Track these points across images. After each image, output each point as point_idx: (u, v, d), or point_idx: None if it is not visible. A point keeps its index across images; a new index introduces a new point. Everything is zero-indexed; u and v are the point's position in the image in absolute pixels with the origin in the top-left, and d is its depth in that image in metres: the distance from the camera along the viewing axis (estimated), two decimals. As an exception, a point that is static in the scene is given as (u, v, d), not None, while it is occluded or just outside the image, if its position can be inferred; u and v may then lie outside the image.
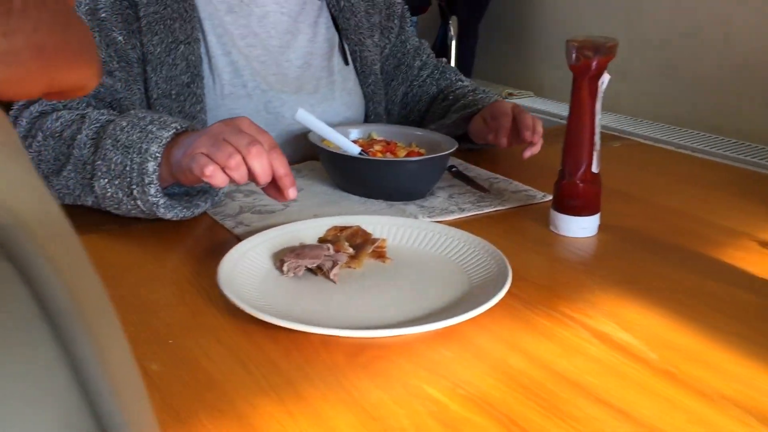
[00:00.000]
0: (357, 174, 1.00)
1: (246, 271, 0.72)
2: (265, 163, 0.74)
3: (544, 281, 0.76)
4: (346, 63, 1.20)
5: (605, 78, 0.86)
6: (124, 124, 0.82)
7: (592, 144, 0.87)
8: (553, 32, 2.07)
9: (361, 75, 1.22)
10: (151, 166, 0.78)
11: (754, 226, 0.94)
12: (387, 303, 0.69)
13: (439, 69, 1.31)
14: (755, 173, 1.24)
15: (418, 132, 1.11)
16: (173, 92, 1.03)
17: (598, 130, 0.88)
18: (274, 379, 0.58)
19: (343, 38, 1.20)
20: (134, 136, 0.80)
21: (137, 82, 1.02)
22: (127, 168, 0.79)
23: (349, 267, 0.76)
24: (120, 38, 1.00)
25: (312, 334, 0.63)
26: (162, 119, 0.82)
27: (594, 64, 0.83)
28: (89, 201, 0.85)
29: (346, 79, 1.20)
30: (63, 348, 0.17)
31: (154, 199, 0.79)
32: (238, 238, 0.82)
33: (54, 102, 0.91)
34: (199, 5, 1.07)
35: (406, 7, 1.32)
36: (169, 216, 0.82)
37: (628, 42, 1.83)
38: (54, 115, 0.89)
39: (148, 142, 0.79)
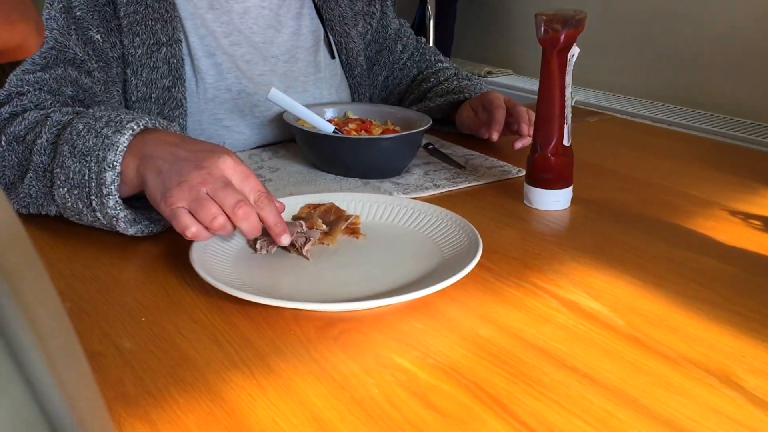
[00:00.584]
0: (332, 153, 1.00)
1: (219, 249, 0.73)
2: (253, 221, 0.68)
3: (515, 254, 0.77)
4: (332, 56, 1.17)
5: (575, 51, 0.87)
6: (81, 127, 0.74)
7: (563, 117, 0.87)
8: (530, 10, 2.07)
9: (347, 67, 1.20)
10: (109, 176, 0.71)
11: (726, 196, 0.95)
12: (359, 277, 0.70)
13: (419, 50, 1.30)
14: (729, 145, 1.25)
15: (393, 110, 1.11)
16: (153, 95, 0.99)
17: (569, 103, 0.88)
18: (246, 353, 0.58)
19: (327, 30, 1.18)
20: (90, 142, 0.73)
21: (116, 84, 0.98)
22: (86, 177, 0.72)
23: (323, 243, 0.76)
24: (98, 37, 0.96)
25: (284, 309, 0.63)
26: (118, 119, 0.74)
27: (562, 37, 0.84)
28: (52, 211, 0.78)
29: (333, 74, 1.17)
30: (13, 358, 0.18)
31: (113, 212, 0.72)
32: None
33: (25, 102, 0.86)
34: (179, 4, 1.04)
35: None
36: (130, 232, 0.75)
37: (603, 16, 1.84)
38: (22, 116, 0.82)
39: (104, 149, 0.71)
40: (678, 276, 0.72)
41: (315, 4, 1.18)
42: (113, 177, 0.71)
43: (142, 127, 0.74)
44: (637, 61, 1.76)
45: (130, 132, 0.73)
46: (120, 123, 0.73)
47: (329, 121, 1.05)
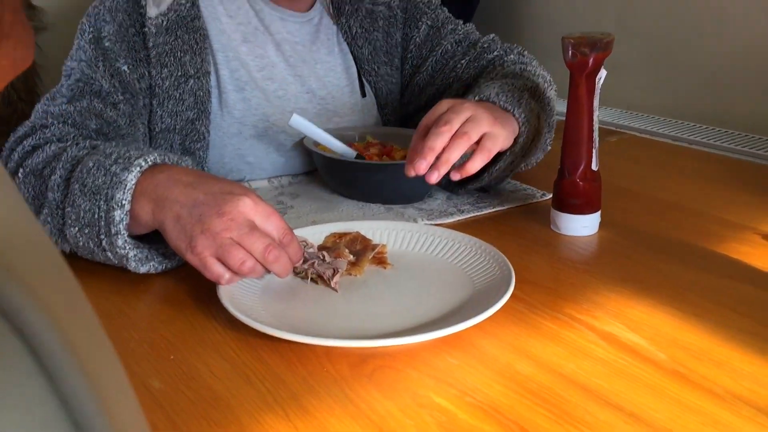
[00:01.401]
0: (354, 178, 0.99)
1: (246, 281, 0.71)
2: (284, 263, 0.67)
3: (547, 282, 0.76)
4: (363, 95, 1.13)
5: (602, 74, 0.86)
6: (91, 165, 0.73)
7: (591, 141, 0.86)
8: (545, 27, 2.06)
9: (379, 106, 1.16)
10: (117, 215, 0.70)
11: (756, 218, 0.93)
12: (390, 311, 0.69)
13: (475, 52, 1.11)
14: (753, 164, 1.23)
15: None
16: (177, 127, 0.97)
17: (596, 126, 0.87)
18: (279, 392, 0.57)
19: (359, 68, 1.14)
20: (99, 180, 0.71)
21: (141, 115, 0.96)
22: (95, 216, 0.71)
23: (350, 274, 0.75)
24: (125, 68, 0.94)
25: (316, 345, 0.62)
26: (127, 155, 0.73)
27: (591, 60, 0.82)
28: (66, 249, 0.76)
29: (367, 114, 1.13)
30: (60, 398, 0.17)
31: (122, 251, 0.71)
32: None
33: (48, 135, 0.84)
34: (212, 36, 1.02)
35: (434, 6, 1.16)
36: (142, 270, 0.73)
37: (619, 34, 1.82)
38: (41, 149, 0.81)
39: (113, 187, 0.70)
40: (716, 305, 0.70)
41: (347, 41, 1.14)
42: (121, 216, 0.70)
43: (150, 163, 0.73)
44: (654, 78, 1.75)
45: (138, 169, 0.71)
46: (128, 160, 0.72)
47: (350, 145, 1.03)
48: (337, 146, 0.99)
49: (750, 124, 1.51)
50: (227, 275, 0.67)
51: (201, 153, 0.99)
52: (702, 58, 1.64)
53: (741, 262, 0.80)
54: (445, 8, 1.18)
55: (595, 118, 0.86)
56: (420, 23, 1.14)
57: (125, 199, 0.70)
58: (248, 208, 0.67)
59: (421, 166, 0.78)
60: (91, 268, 0.78)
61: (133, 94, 0.95)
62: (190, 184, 0.70)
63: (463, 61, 1.10)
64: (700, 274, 0.77)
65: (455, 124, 0.79)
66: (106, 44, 0.94)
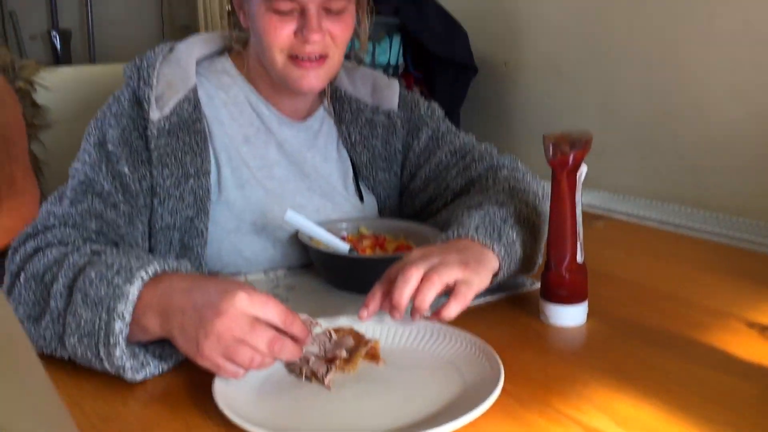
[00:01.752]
0: (347, 272, 1.01)
1: (241, 380, 0.73)
2: (290, 348, 0.70)
3: (537, 375, 0.77)
4: (361, 200, 1.16)
5: (583, 170, 0.89)
6: (93, 275, 0.76)
7: (575, 235, 0.89)
8: (532, 114, 2.13)
9: (379, 209, 1.18)
10: (117, 325, 0.72)
11: (741, 305, 0.95)
12: (382, 409, 0.70)
13: (466, 163, 1.13)
14: (738, 249, 1.26)
15: (406, 224, 1.13)
16: (177, 224, 1.00)
17: (579, 220, 0.90)
18: (273, 497, 0.57)
19: (357, 173, 1.17)
20: (102, 291, 0.74)
21: (141, 215, 0.98)
22: (96, 326, 0.73)
23: (343, 371, 0.76)
24: (126, 170, 0.97)
25: (309, 446, 0.63)
26: (128, 266, 0.75)
27: (571, 158, 0.86)
28: (66, 356, 0.78)
29: (366, 214, 1.15)
30: None
31: (119, 362, 0.73)
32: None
33: (50, 238, 0.86)
34: (214, 136, 1.05)
35: (437, 118, 1.19)
36: (138, 378, 0.75)
37: (605, 119, 1.89)
38: (43, 252, 0.83)
39: (115, 299, 0.73)
40: (702, 398, 0.72)
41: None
42: (121, 327, 0.73)
43: (151, 274, 0.75)
44: (639, 162, 1.80)
45: (140, 281, 0.74)
46: (130, 271, 0.75)
47: (343, 238, 1.06)
48: (330, 240, 1.02)
49: (733, 207, 1.56)
50: (241, 371, 0.70)
51: (199, 249, 1.02)
52: (683, 143, 1.69)
53: (725, 352, 0.82)
54: (447, 120, 1.20)
55: (578, 212, 0.90)
56: (421, 133, 1.17)
57: (127, 311, 0.73)
58: (245, 303, 0.70)
59: (394, 317, 0.81)
60: (84, 374, 0.78)
61: (133, 195, 0.97)
62: (188, 290, 0.72)
63: (453, 171, 1.13)
64: (685, 365, 0.79)
65: (422, 269, 0.80)
66: (110, 148, 0.98)
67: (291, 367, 0.77)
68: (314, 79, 1.03)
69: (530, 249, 0.95)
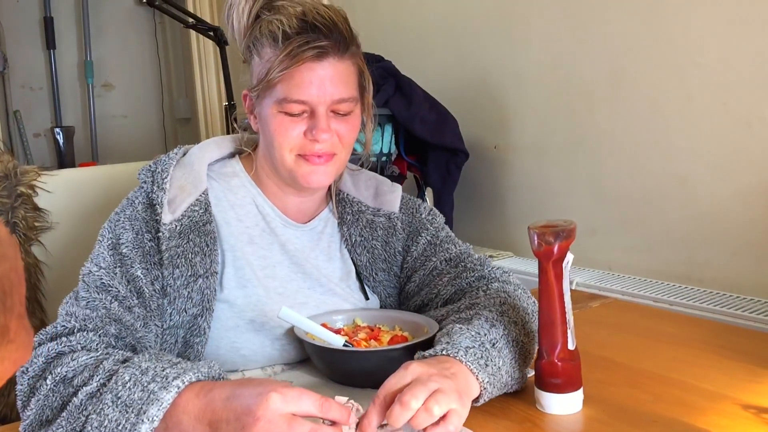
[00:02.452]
0: (343, 365, 1.02)
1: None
2: None
3: (533, 469, 0.77)
4: (366, 298, 1.18)
5: (569, 258, 0.91)
6: (127, 378, 0.80)
7: (564, 323, 0.90)
8: (524, 195, 2.17)
9: (381, 307, 1.21)
10: (144, 428, 0.75)
11: (736, 387, 0.96)
12: None
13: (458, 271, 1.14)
14: (732, 327, 1.27)
15: (401, 314, 1.14)
16: (183, 322, 1.02)
17: (569, 307, 0.92)
18: None
19: (359, 273, 1.19)
20: (136, 395, 0.77)
21: (155, 318, 1.01)
22: (120, 426, 0.76)
23: (340, 468, 0.76)
24: (140, 273, 1.00)
25: None
26: (164, 374, 0.79)
27: (556, 248, 0.89)
28: None
29: (366, 315, 1.15)
30: None
31: None
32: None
33: (73, 343, 0.89)
34: (222, 237, 1.08)
35: (437, 224, 1.21)
36: None
37: (593, 198, 1.93)
38: (69, 357, 0.86)
39: (148, 403, 0.76)
40: (698, 487, 0.71)
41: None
42: (148, 429, 0.75)
43: (186, 383, 0.79)
44: (631, 240, 1.83)
45: (176, 390, 0.77)
46: (166, 379, 0.78)
47: (338, 331, 1.07)
48: (325, 335, 1.03)
49: (722, 281, 1.57)
50: None
51: (200, 347, 1.03)
52: (671, 220, 1.72)
53: (721, 437, 0.82)
54: (447, 227, 1.22)
55: (567, 300, 0.91)
56: (420, 237, 1.19)
57: (157, 416, 0.76)
58: (278, 403, 0.73)
59: None
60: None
61: (146, 298, 1.00)
62: (229, 398, 0.76)
63: (445, 278, 1.14)
64: (681, 452, 0.79)
65: (422, 398, 0.79)
66: (124, 251, 1.01)
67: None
68: (322, 175, 1.06)
69: (517, 371, 0.95)
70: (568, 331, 0.91)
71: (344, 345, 1.02)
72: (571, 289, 0.94)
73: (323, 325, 1.05)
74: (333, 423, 0.76)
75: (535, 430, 0.87)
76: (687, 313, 1.37)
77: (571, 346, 0.91)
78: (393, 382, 0.82)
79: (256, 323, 1.07)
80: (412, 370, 0.83)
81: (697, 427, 0.85)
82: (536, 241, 0.89)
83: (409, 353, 1.01)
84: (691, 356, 1.09)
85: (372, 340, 1.06)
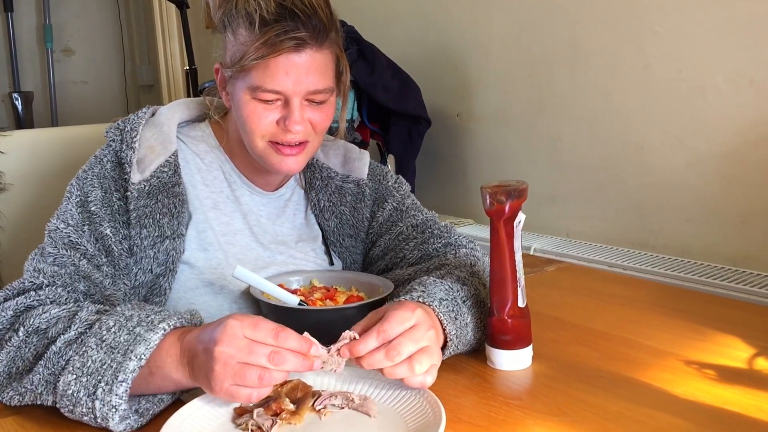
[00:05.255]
0: (297, 324, 1.02)
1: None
2: (290, 359, 0.74)
3: (479, 421, 0.79)
4: (331, 263, 1.19)
5: (521, 218, 0.93)
6: (111, 323, 0.80)
7: (515, 281, 0.92)
8: (485, 162, 2.19)
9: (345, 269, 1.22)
10: (132, 364, 0.76)
11: (678, 344, 0.99)
12: (326, 459, 0.71)
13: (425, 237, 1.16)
14: (681, 289, 1.31)
15: (357, 275, 1.15)
16: (146, 281, 1.02)
17: (520, 266, 0.93)
18: None
19: (326, 238, 1.20)
20: (122, 338, 0.78)
21: (123, 276, 1.01)
22: (104, 366, 0.76)
23: (290, 423, 0.77)
24: (108, 232, 0.99)
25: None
26: (149, 319, 0.80)
27: (507, 207, 0.90)
28: (49, 400, 0.79)
29: (323, 276, 1.16)
30: None
31: (117, 400, 0.75)
32: (182, 402, 0.83)
33: (42, 297, 0.89)
34: (189, 200, 1.08)
35: (403, 192, 1.22)
36: (120, 428, 0.76)
37: (552, 166, 1.95)
38: (40, 310, 0.86)
39: (135, 343, 0.77)
40: (637, 435, 0.74)
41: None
42: (135, 366, 0.76)
43: (172, 326, 0.80)
44: (588, 207, 1.86)
45: (162, 332, 0.79)
46: (152, 323, 0.80)
47: (295, 291, 1.08)
48: (280, 294, 1.03)
49: (674, 247, 1.61)
50: (255, 393, 0.74)
51: (158, 308, 1.03)
52: (627, 188, 1.75)
53: (664, 391, 0.85)
54: (413, 195, 1.24)
55: (518, 259, 0.93)
56: (386, 204, 1.20)
57: (144, 355, 0.77)
58: (237, 327, 0.74)
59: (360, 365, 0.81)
60: (36, 426, 0.79)
61: (115, 257, 1.00)
62: (199, 335, 0.78)
63: (411, 243, 1.15)
64: (624, 405, 0.81)
65: (414, 348, 0.81)
66: (92, 209, 1.00)
67: (237, 422, 0.77)
68: (294, 163, 1.05)
69: (479, 332, 0.96)
70: (519, 289, 0.92)
71: (299, 304, 1.03)
72: (528, 254, 0.95)
73: (280, 285, 1.06)
74: None
75: (485, 386, 0.89)
76: (639, 277, 1.40)
77: (521, 304, 0.93)
78: (394, 317, 0.82)
79: (216, 286, 1.08)
80: (409, 309, 0.84)
81: (642, 381, 0.88)
82: (488, 201, 0.90)
83: (363, 312, 1.02)
84: (640, 316, 1.12)
85: (327, 300, 1.07)
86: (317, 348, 0.78)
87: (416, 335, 0.82)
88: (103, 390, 0.75)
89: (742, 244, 1.53)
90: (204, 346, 0.75)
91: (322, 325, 1.01)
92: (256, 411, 0.77)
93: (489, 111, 2.15)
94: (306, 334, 0.80)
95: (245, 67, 0.99)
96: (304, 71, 0.99)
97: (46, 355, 0.80)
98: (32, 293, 0.89)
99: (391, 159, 2.12)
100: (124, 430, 0.77)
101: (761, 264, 1.48)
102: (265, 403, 0.79)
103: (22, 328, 0.84)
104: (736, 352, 0.96)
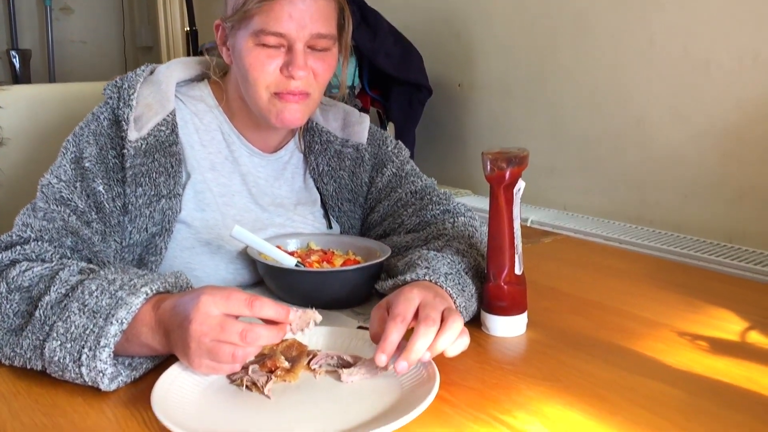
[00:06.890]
0: (294, 285, 1.03)
1: (180, 392, 0.74)
2: (263, 335, 0.73)
3: (473, 384, 0.79)
4: (329, 226, 1.19)
5: (521, 185, 0.93)
6: (93, 287, 0.79)
7: (513, 247, 0.92)
8: (485, 133, 2.18)
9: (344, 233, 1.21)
10: (113, 329, 0.75)
11: (672, 316, 0.99)
12: (320, 417, 0.71)
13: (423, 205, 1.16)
14: (676, 263, 1.31)
15: (354, 239, 1.15)
16: (141, 240, 1.02)
17: (518, 233, 0.93)
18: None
19: (324, 202, 1.20)
20: (103, 302, 0.78)
21: (114, 233, 1.00)
22: (87, 331, 0.76)
23: (285, 381, 0.78)
24: (101, 189, 0.99)
25: (245, 452, 0.64)
26: (132, 282, 0.80)
27: (507, 174, 0.89)
28: (38, 365, 0.79)
29: (321, 239, 1.15)
30: None
31: (102, 365, 0.75)
32: (176, 357, 0.83)
33: (27, 251, 0.89)
34: (187, 160, 1.08)
35: (403, 158, 1.22)
36: (112, 387, 0.76)
37: (552, 138, 1.94)
38: (24, 265, 0.86)
39: (117, 307, 0.77)
40: (630, 403, 0.74)
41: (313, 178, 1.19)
42: (117, 331, 0.76)
43: (155, 291, 0.80)
44: (587, 181, 1.85)
45: (144, 296, 0.78)
46: (134, 287, 0.79)
47: (292, 253, 1.08)
48: (277, 255, 1.03)
49: (671, 222, 1.61)
50: (227, 367, 0.74)
51: (154, 266, 1.03)
52: (627, 163, 1.75)
53: (657, 360, 0.86)
54: (412, 162, 1.24)
55: (516, 226, 0.93)
56: (385, 169, 1.20)
57: (126, 319, 0.76)
58: (210, 305, 0.73)
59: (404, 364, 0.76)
60: (26, 383, 0.79)
61: (106, 214, 0.99)
62: (174, 307, 0.76)
63: (410, 209, 1.16)
64: (616, 372, 0.82)
65: (435, 328, 0.78)
66: (86, 165, 0.99)
67: (232, 377, 0.78)
68: (296, 112, 1.04)
69: (481, 301, 0.97)
70: (516, 256, 0.92)
71: (296, 266, 1.03)
72: (525, 226, 0.95)
73: (277, 247, 1.06)
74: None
75: (479, 350, 0.90)
76: (635, 250, 1.41)
77: (518, 271, 0.93)
78: (403, 304, 0.80)
79: (212, 246, 1.07)
80: (417, 293, 0.82)
81: (635, 350, 0.88)
82: (489, 166, 0.90)
83: (359, 275, 1.02)
84: (635, 288, 1.13)
85: (324, 263, 1.07)
86: (294, 312, 0.77)
87: (429, 304, 0.80)
88: (87, 356, 0.75)
89: (739, 221, 1.53)
90: (179, 323, 0.74)
91: (318, 287, 1.02)
92: (251, 367, 0.78)
93: (491, 81, 2.14)
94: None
95: (248, 12, 0.99)
96: (308, 15, 0.99)
97: (32, 320, 0.80)
98: (18, 247, 0.89)
99: (390, 127, 2.11)
100: (118, 386, 0.77)
101: (757, 241, 1.48)
102: (260, 359, 0.79)
103: (4, 283, 0.84)
104: (729, 326, 0.96)
